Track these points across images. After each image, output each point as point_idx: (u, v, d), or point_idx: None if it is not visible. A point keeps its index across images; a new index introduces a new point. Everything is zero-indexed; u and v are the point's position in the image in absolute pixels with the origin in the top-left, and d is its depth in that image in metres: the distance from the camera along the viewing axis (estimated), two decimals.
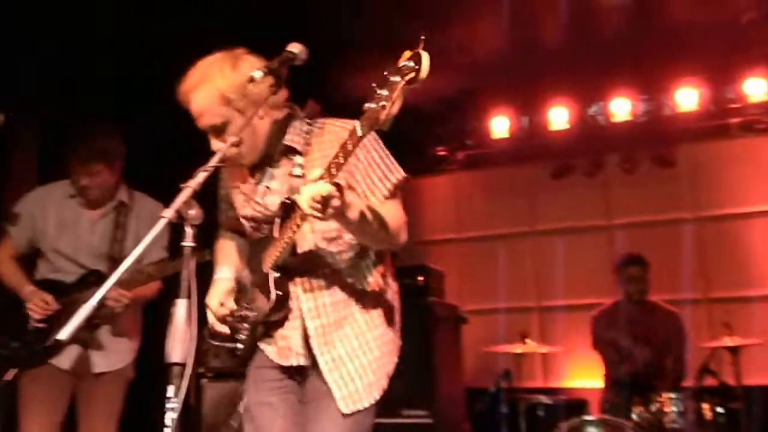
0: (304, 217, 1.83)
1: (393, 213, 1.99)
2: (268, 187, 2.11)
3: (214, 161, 1.84)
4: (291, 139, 2.07)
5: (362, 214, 1.83)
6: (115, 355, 3.04)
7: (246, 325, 2.12)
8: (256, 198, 2.12)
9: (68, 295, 2.94)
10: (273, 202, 2.06)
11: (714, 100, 5.65)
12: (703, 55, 5.28)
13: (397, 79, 1.61)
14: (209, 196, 1.77)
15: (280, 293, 2.00)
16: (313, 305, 2.03)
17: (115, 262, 2.97)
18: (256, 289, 2.11)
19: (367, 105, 1.65)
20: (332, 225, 1.99)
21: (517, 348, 4.56)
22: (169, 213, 1.69)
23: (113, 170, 3.04)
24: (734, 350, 4.12)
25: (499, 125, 6.29)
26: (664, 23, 4.88)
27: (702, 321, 5.38)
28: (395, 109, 1.62)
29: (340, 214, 1.77)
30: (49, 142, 4.15)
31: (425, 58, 1.59)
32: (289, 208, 1.96)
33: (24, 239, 3.09)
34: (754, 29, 4.80)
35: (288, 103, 2.11)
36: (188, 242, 1.75)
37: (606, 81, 5.75)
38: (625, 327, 4.63)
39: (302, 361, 2.04)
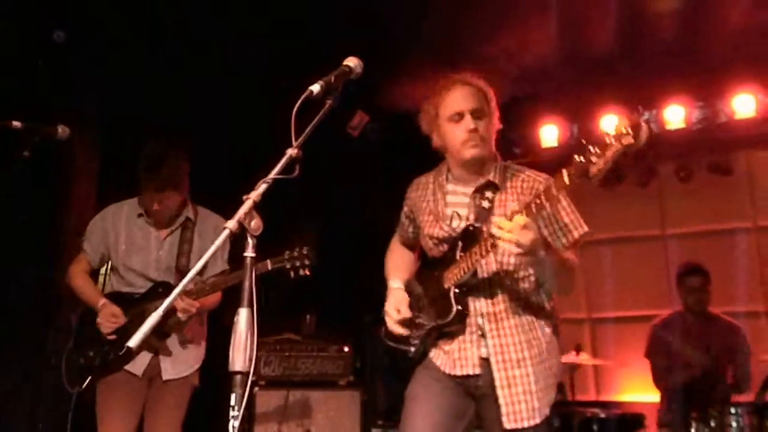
0: (495, 245, 2.08)
1: (573, 262, 2.24)
2: (457, 213, 2.37)
3: (274, 173, 1.87)
4: (494, 176, 2.35)
5: (551, 257, 2.09)
6: (182, 363, 3.14)
7: (420, 332, 2.40)
8: (445, 220, 2.38)
9: (137, 306, 3.08)
10: (458, 226, 2.34)
11: None
12: (760, 60, 5.12)
13: (614, 142, 1.78)
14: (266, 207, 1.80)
15: (460, 308, 2.26)
16: (495, 326, 2.27)
17: (181, 274, 3.10)
18: (430, 300, 2.37)
19: (576, 157, 1.85)
20: (512, 260, 2.27)
21: (567, 359, 4.47)
22: (231, 224, 1.72)
23: (181, 192, 3.15)
24: None
25: (549, 134, 6.20)
26: (720, 28, 4.76)
27: (761, 333, 5.21)
28: (608, 167, 1.81)
29: (531, 249, 1.97)
30: (109, 155, 4.29)
31: (645, 130, 1.77)
32: (471, 234, 2.26)
33: (97, 255, 3.24)
34: None
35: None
36: (249, 252, 1.79)
37: (659, 88, 5.62)
38: (683, 336, 4.52)
39: (477, 371, 2.27)
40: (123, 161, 3.17)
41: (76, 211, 4.21)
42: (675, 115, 5.68)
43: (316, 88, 1.95)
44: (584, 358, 4.52)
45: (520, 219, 1.94)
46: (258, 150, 2.18)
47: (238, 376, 1.67)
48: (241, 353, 1.68)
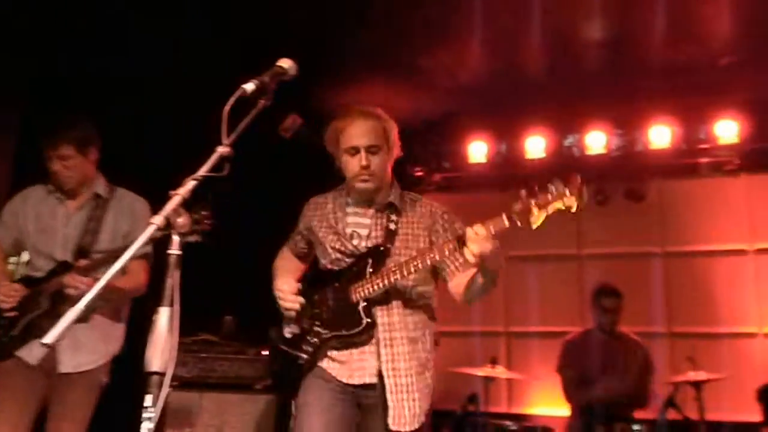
0: (418, 268, 2.33)
1: None
2: (357, 233, 2.55)
3: (203, 171, 1.84)
4: (395, 198, 2.56)
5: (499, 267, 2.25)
6: (85, 356, 2.92)
7: (315, 340, 2.50)
8: (346, 238, 2.55)
9: (34, 287, 2.90)
10: (359, 245, 2.52)
11: (686, 139, 5.73)
12: (677, 94, 5.41)
13: (556, 201, 2.03)
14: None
15: (370, 321, 2.42)
16: (389, 336, 2.44)
17: (84, 253, 2.93)
18: (331, 309, 2.50)
19: (516, 206, 2.09)
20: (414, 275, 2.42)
21: (483, 371, 4.56)
22: (157, 219, 1.68)
23: (86, 158, 3.01)
24: (698, 385, 4.16)
25: (477, 150, 6.33)
26: (641, 61, 5.00)
27: (667, 355, 5.47)
28: (541, 219, 2.05)
29: (494, 257, 2.15)
30: (25, 144, 4.10)
31: (585, 196, 2.02)
32: (381, 253, 2.46)
33: (10, 239, 3.09)
34: (728, 73, 4.95)
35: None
36: (174, 250, 1.74)
37: (582, 114, 5.85)
38: (595, 355, 4.69)
39: (374, 380, 2.43)
40: (40, 148, 3.01)
41: None
42: (596, 140, 5.92)
43: (249, 87, 1.96)
44: (500, 371, 4.61)
45: (481, 230, 2.12)
46: (190, 148, 2.13)
47: (155, 377, 1.63)
48: (158, 353, 1.64)
